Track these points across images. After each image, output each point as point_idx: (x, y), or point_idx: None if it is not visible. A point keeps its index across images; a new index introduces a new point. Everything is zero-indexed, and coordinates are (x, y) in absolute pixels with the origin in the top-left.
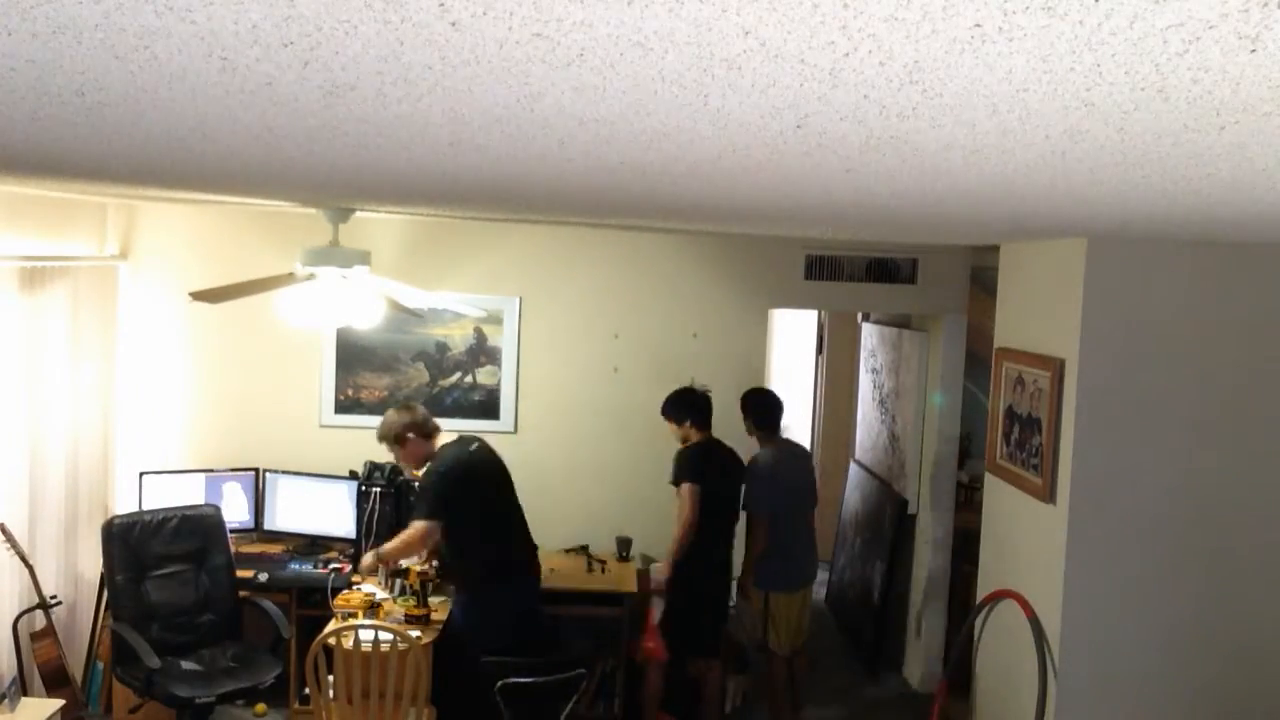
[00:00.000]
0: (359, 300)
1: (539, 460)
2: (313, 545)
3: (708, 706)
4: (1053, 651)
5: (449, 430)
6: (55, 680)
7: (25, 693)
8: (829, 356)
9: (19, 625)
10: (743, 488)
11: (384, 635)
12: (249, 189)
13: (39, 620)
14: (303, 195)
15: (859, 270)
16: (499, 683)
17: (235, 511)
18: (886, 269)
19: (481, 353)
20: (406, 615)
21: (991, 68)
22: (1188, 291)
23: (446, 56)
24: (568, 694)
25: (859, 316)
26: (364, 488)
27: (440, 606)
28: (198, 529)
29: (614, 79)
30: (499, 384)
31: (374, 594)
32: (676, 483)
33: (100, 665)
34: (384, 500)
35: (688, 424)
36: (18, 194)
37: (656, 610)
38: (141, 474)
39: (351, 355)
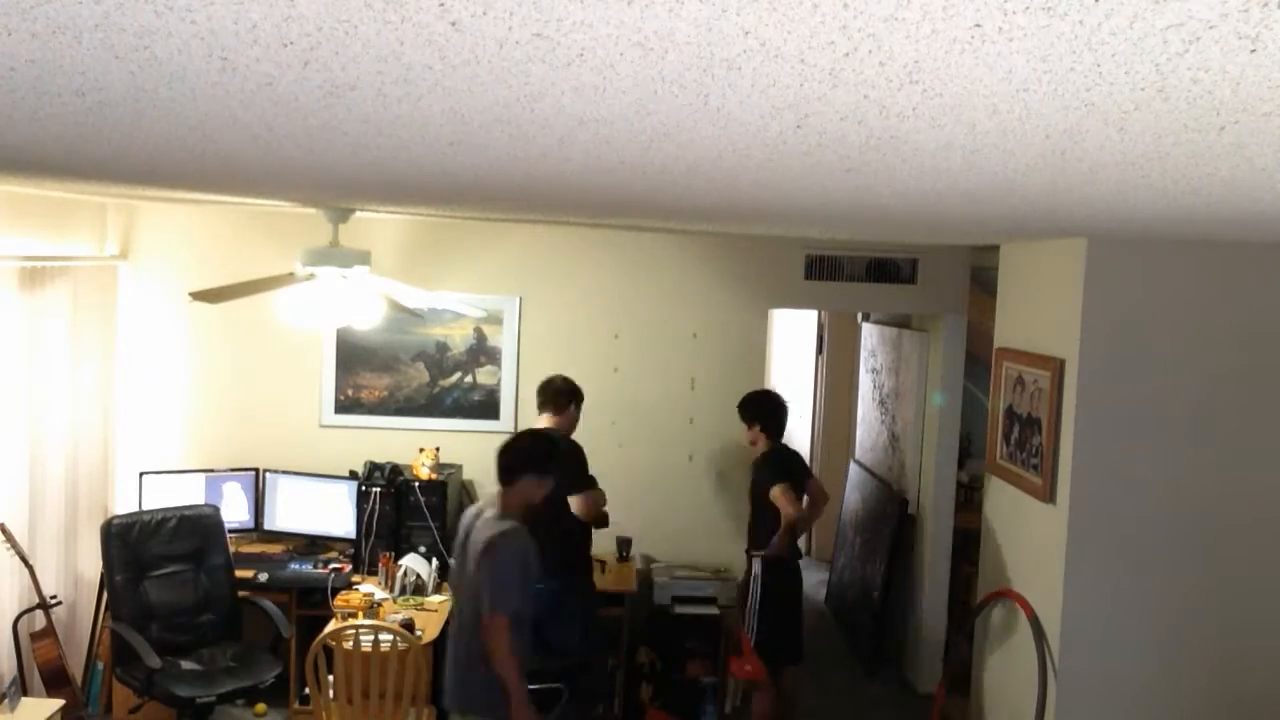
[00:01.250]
0: (359, 300)
1: None
2: (313, 545)
3: (788, 713)
4: (1052, 651)
5: (449, 431)
6: (55, 680)
7: (25, 693)
8: (829, 356)
9: (19, 625)
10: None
11: (384, 635)
12: (249, 189)
13: (39, 620)
14: (303, 195)
15: (859, 270)
16: None
17: (235, 511)
18: (886, 269)
19: (481, 353)
20: None
21: (991, 68)
22: (1188, 291)
23: (446, 56)
24: (549, 704)
25: (859, 316)
26: (364, 488)
27: (440, 606)
28: (196, 529)
29: (614, 79)
30: (499, 384)
31: (374, 594)
32: (765, 488)
33: (100, 665)
34: (384, 500)
35: (757, 428)
36: (18, 194)
37: (744, 630)
38: (141, 474)
39: (351, 355)
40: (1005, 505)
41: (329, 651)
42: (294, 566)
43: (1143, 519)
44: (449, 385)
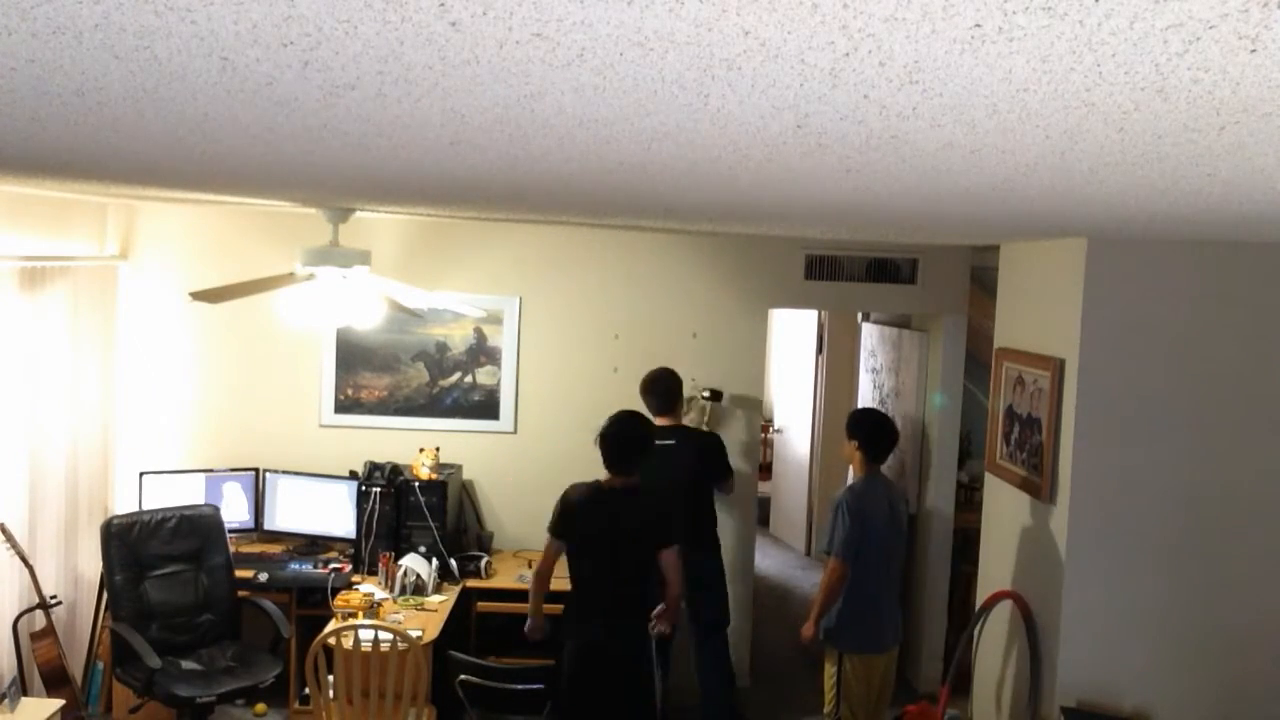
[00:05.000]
0: (359, 300)
1: (539, 460)
2: (313, 545)
3: None
4: (1052, 650)
5: (449, 431)
6: (55, 680)
7: (25, 693)
8: (829, 356)
9: (19, 625)
10: (835, 524)
11: (384, 635)
12: (249, 189)
13: (39, 620)
14: (303, 195)
15: (859, 270)
16: (460, 677)
17: (235, 511)
18: (886, 269)
19: (481, 353)
20: None
21: (991, 68)
22: (1188, 291)
23: (446, 56)
24: (536, 708)
25: (859, 316)
26: (364, 488)
27: (440, 606)
28: (197, 529)
29: (614, 79)
30: (499, 384)
31: (374, 594)
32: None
33: (100, 665)
34: (384, 500)
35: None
36: (18, 194)
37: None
38: (141, 474)
39: (351, 355)
40: (1005, 505)
41: (329, 651)
42: (294, 566)
43: (1143, 519)
44: (449, 385)
